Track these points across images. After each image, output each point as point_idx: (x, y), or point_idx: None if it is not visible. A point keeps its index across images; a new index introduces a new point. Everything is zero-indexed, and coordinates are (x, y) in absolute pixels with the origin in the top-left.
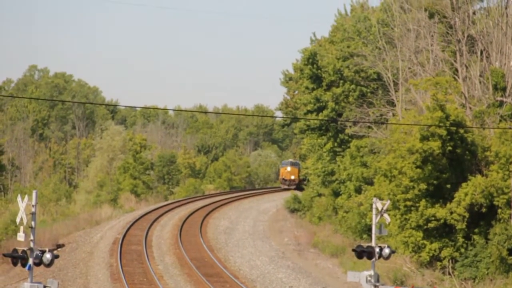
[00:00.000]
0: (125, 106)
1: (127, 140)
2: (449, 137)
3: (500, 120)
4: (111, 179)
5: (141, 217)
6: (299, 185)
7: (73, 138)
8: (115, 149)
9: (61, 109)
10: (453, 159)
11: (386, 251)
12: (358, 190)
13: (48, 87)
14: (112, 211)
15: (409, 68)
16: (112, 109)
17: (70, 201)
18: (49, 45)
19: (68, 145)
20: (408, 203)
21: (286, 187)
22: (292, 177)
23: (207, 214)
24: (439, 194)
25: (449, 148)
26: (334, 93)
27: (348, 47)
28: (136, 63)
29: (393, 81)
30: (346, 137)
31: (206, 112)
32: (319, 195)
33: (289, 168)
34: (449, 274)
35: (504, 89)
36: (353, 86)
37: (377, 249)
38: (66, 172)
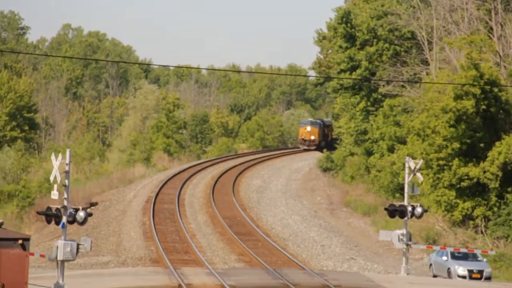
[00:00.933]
0: (159, 65)
1: (160, 99)
2: (483, 96)
3: None
4: (144, 138)
5: (174, 176)
6: (321, 145)
7: (107, 97)
8: (148, 108)
9: (95, 68)
10: (486, 118)
11: (419, 210)
12: (391, 149)
13: (82, 46)
14: (145, 170)
15: (444, 26)
16: (146, 68)
17: (103, 159)
18: (83, 4)
19: (101, 104)
20: (441, 162)
21: (305, 147)
22: (312, 137)
23: (240, 173)
24: (472, 153)
25: (483, 107)
26: (368, 52)
27: (382, 5)
28: (169, 23)
29: (427, 40)
30: (379, 96)
31: (239, 71)
32: (352, 154)
33: (308, 128)
34: (482, 233)
35: None
36: (386, 45)
37: (409, 208)
38: (100, 131)
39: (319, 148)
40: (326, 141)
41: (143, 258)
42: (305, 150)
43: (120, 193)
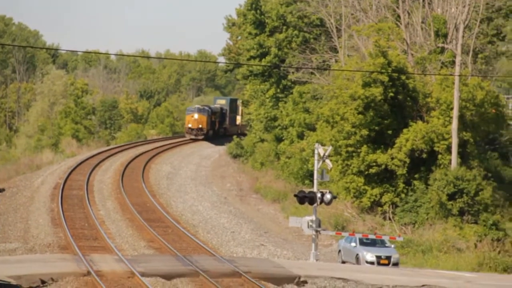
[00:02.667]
0: (66, 50)
1: (69, 84)
2: (391, 83)
3: (441, 67)
4: (52, 123)
5: (82, 162)
6: (208, 134)
7: (14, 82)
8: (56, 94)
9: (1, 53)
10: (394, 105)
11: (328, 196)
12: (301, 136)
13: None
14: (53, 156)
15: (352, 14)
16: (53, 53)
17: (10, 145)
18: None
19: (8, 89)
20: (350, 149)
21: (193, 137)
22: (200, 126)
23: (149, 160)
24: (381, 140)
25: (391, 94)
26: (277, 39)
27: None
28: (77, 7)
29: (336, 27)
30: (289, 83)
31: (148, 57)
32: (262, 140)
33: (196, 116)
34: (390, 219)
35: (445, 36)
36: (296, 32)
37: (318, 195)
38: (7, 116)
39: (208, 138)
40: (214, 130)
41: (51, 245)
42: (193, 140)
43: (28, 179)
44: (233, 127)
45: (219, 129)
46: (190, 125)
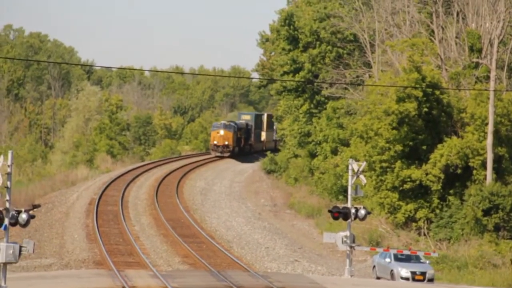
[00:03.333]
0: (101, 67)
1: (103, 100)
2: (425, 98)
3: (476, 82)
4: (87, 139)
5: (117, 177)
6: (234, 151)
7: (49, 98)
8: (91, 110)
9: (37, 69)
10: (429, 120)
11: (362, 212)
12: (334, 152)
13: (23, 47)
14: (88, 171)
15: (386, 29)
16: (88, 70)
17: (46, 161)
18: (24, 5)
19: (43, 106)
20: (384, 164)
21: (218, 154)
22: (226, 143)
23: (184, 175)
24: (415, 155)
25: (425, 109)
26: (311, 54)
27: (325, 8)
28: (112, 24)
29: (370, 42)
30: (323, 99)
31: (182, 73)
32: (295, 156)
33: (222, 132)
34: (424, 235)
35: (480, 51)
36: (329, 47)
37: (353, 210)
38: (42, 133)
39: (234, 155)
40: (240, 147)
41: (87, 260)
42: (219, 157)
43: (63, 195)
44: (258, 143)
45: (244, 146)
46: (215, 142)
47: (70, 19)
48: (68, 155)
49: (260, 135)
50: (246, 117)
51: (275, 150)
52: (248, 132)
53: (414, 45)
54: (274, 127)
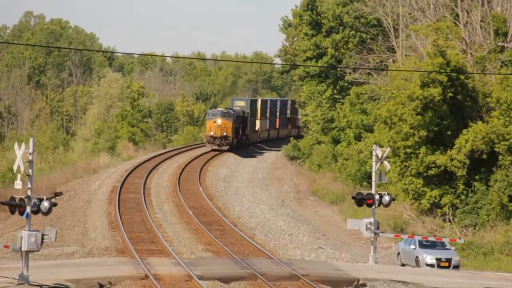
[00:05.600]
0: (123, 53)
1: (125, 87)
2: (449, 83)
3: (501, 66)
4: (109, 126)
5: (139, 165)
6: (233, 144)
7: (70, 85)
8: (113, 97)
9: (58, 56)
10: (453, 105)
11: (386, 198)
12: (358, 138)
13: (44, 34)
14: (110, 159)
15: (410, 13)
16: (109, 56)
17: (67, 149)
18: None
19: (65, 93)
20: (408, 150)
21: (215, 147)
22: (225, 134)
23: (206, 162)
24: (440, 141)
25: (450, 94)
26: (334, 39)
27: None
28: (133, 10)
29: (393, 27)
30: (346, 84)
31: (204, 59)
32: (319, 142)
33: (219, 121)
34: (450, 221)
35: (505, 34)
36: (353, 32)
37: (377, 197)
38: (64, 120)
39: (232, 149)
40: (238, 139)
41: (109, 248)
42: (214, 150)
43: (85, 183)
44: (253, 133)
45: (241, 137)
46: (212, 133)
47: (90, 5)
48: (90, 142)
49: (254, 124)
50: (241, 103)
51: (268, 141)
52: (245, 121)
53: (438, 29)
54: (267, 114)
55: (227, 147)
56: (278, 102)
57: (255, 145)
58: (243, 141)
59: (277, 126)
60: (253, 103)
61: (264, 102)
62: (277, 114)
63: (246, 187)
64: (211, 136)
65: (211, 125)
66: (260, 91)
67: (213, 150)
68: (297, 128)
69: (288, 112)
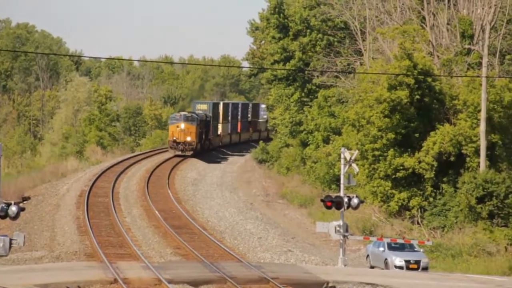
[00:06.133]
0: (89, 57)
1: (92, 91)
2: (417, 86)
3: (468, 68)
4: (77, 131)
5: (107, 169)
6: (197, 149)
7: (37, 89)
8: (80, 101)
9: (24, 61)
10: (421, 108)
11: (355, 201)
12: (326, 140)
13: (10, 38)
14: (78, 163)
15: (376, 16)
16: (76, 60)
17: (35, 153)
18: None
19: (32, 97)
20: (376, 152)
21: (179, 153)
22: (188, 139)
23: (174, 166)
24: (408, 143)
25: (417, 97)
26: (301, 42)
27: None
28: (100, 14)
29: (360, 30)
30: (314, 87)
31: (171, 63)
32: (287, 145)
33: (182, 125)
34: (418, 223)
35: (471, 37)
36: (320, 35)
37: (345, 199)
38: (31, 124)
39: (196, 154)
40: (201, 144)
41: (78, 252)
42: (178, 156)
43: (53, 187)
44: (215, 138)
45: (205, 142)
46: (175, 138)
47: (57, 9)
48: (58, 146)
49: (217, 128)
50: (203, 107)
51: (229, 145)
52: (207, 125)
53: (405, 32)
54: (229, 117)
55: (191, 152)
56: (240, 105)
57: (217, 150)
58: (206, 146)
59: (239, 130)
60: (215, 106)
61: (226, 106)
62: (239, 117)
63: (215, 190)
64: (174, 141)
65: (174, 130)
66: (228, 95)
67: (176, 156)
68: (258, 131)
69: (249, 115)
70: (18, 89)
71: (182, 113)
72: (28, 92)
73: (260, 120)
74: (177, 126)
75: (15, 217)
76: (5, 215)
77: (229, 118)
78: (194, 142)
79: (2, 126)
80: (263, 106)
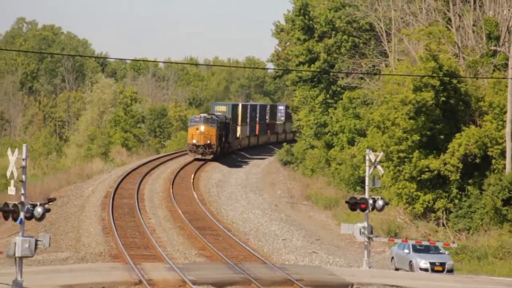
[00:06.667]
0: (115, 59)
1: (118, 93)
2: (442, 87)
3: (494, 70)
4: (102, 132)
5: (132, 170)
6: (217, 152)
7: (63, 91)
8: (106, 102)
9: (50, 62)
10: (446, 109)
11: (380, 203)
12: (351, 142)
13: (37, 40)
14: (103, 164)
15: (402, 18)
16: (102, 62)
17: (60, 154)
18: None
19: (58, 99)
20: (402, 154)
21: (198, 156)
22: (208, 142)
23: (199, 168)
24: (433, 145)
25: (443, 98)
26: (326, 44)
27: None
28: (126, 16)
29: (386, 31)
30: (339, 89)
31: (197, 64)
32: (312, 147)
33: (202, 128)
34: (443, 225)
35: (497, 38)
36: (345, 37)
37: (370, 201)
38: (56, 126)
39: (217, 158)
40: (221, 147)
41: (103, 253)
42: (198, 160)
43: (78, 189)
44: (234, 141)
45: (224, 145)
46: (194, 141)
47: (83, 11)
48: (83, 148)
49: (235, 131)
50: (222, 108)
51: (248, 148)
52: (227, 127)
53: (430, 34)
54: (247, 119)
55: (211, 156)
56: (258, 107)
57: (236, 153)
58: (226, 149)
59: (257, 133)
60: (234, 108)
61: (244, 107)
62: (257, 119)
63: (239, 192)
64: (194, 145)
65: (194, 132)
66: (253, 96)
67: (196, 159)
68: (275, 134)
69: (267, 117)
70: (44, 91)
71: (202, 115)
72: (54, 93)
73: (277, 122)
74: (197, 129)
75: (41, 218)
76: (31, 216)
77: (248, 120)
78: (215, 145)
79: (28, 127)
80: (280, 107)
